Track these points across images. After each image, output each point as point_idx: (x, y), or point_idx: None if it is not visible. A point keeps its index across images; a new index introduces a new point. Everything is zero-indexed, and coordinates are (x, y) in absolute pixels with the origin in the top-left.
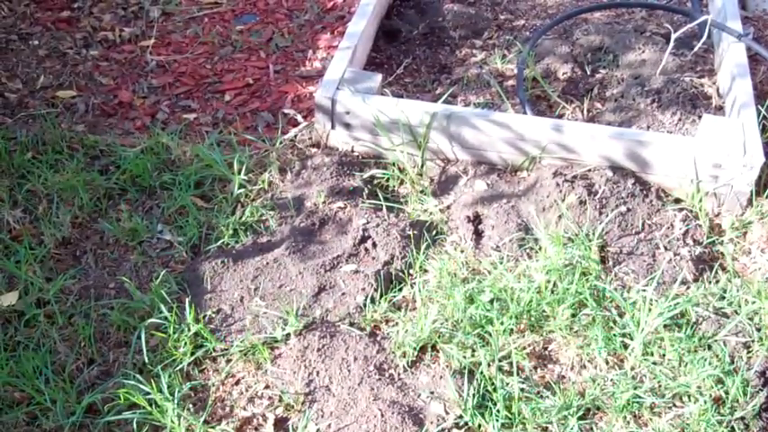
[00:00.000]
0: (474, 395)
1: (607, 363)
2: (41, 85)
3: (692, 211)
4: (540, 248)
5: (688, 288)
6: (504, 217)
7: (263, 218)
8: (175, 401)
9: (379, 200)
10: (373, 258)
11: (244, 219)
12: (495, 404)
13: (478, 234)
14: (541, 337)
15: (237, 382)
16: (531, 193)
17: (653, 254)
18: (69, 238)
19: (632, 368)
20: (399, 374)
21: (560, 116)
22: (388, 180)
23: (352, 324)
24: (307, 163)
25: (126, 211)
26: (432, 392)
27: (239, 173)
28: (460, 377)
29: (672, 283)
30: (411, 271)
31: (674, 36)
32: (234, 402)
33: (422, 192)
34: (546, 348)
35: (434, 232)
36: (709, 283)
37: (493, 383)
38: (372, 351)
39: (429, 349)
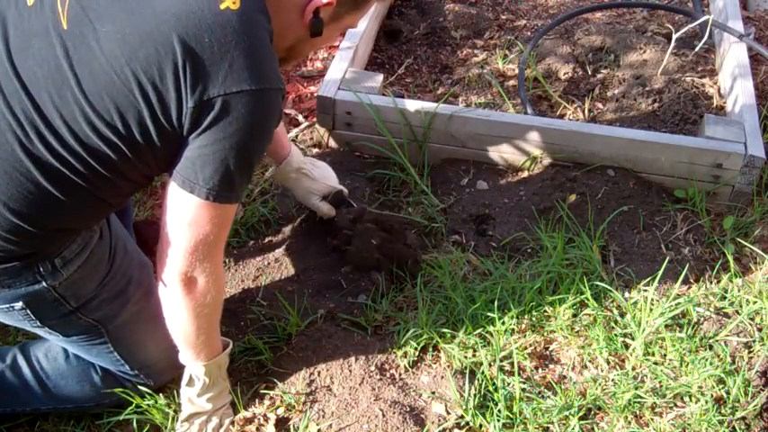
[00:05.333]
0: (475, 395)
1: (608, 363)
2: None
3: (693, 211)
4: (541, 248)
5: (689, 288)
6: (506, 217)
7: (265, 218)
8: (177, 401)
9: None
10: (375, 258)
11: (245, 219)
12: (496, 404)
13: (480, 234)
14: (542, 337)
15: (238, 382)
16: (533, 192)
17: (654, 254)
18: None
19: (633, 368)
20: (401, 374)
21: (562, 116)
22: (389, 180)
23: (353, 324)
24: None
25: None
26: (433, 392)
27: None
28: (462, 377)
29: (673, 283)
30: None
31: (675, 36)
32: (235, 402)
33: (423, 192)
34: (547, 348)
35: (436, 232)
36: (711, 283)
37: (494, 383)
38: (374, 351)
39: (430, 349)
